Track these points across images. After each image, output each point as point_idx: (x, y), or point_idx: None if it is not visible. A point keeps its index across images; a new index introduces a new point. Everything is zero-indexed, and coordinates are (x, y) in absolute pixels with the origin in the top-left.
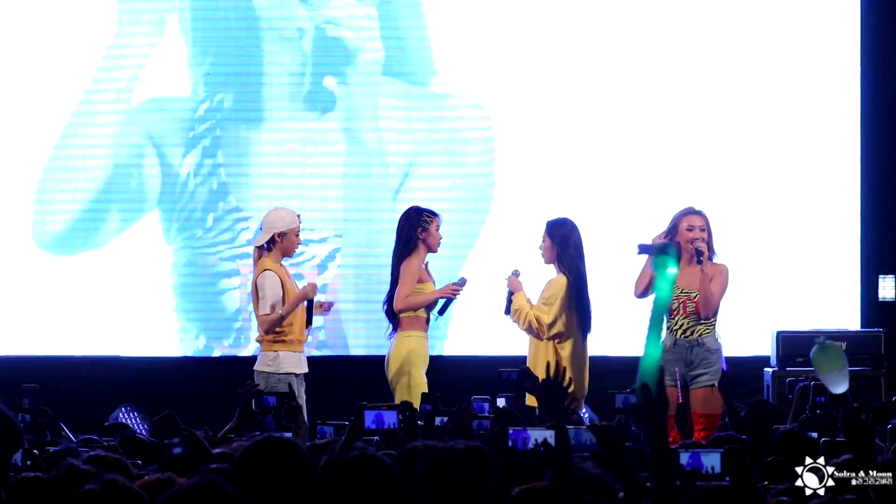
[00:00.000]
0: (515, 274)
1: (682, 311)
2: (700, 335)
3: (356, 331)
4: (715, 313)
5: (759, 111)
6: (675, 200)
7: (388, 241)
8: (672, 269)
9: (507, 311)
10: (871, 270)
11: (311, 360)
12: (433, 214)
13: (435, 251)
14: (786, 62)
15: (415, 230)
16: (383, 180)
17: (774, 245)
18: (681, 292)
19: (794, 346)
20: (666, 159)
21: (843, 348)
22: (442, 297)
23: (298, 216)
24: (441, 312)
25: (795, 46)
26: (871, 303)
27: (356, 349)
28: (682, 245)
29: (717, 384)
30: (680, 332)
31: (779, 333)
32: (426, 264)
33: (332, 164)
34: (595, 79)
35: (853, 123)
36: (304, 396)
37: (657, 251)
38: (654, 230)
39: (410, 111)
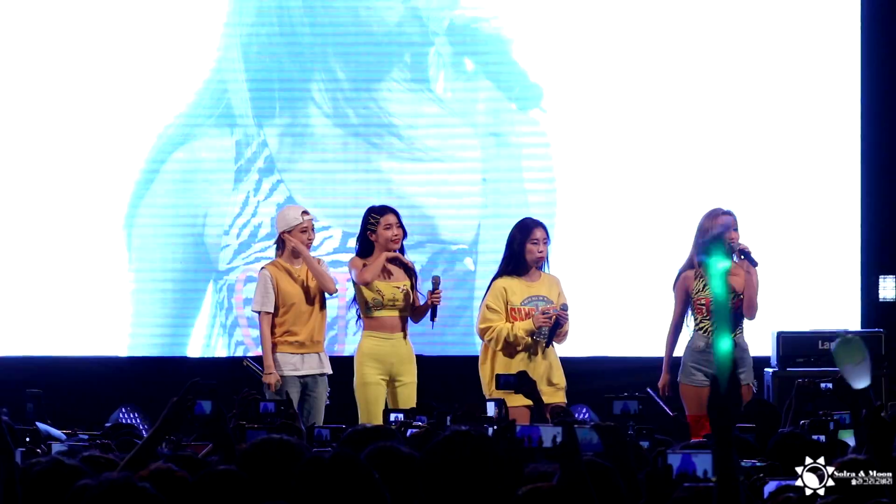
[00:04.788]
0: (564, 308)
1: None
2: (734, 335)
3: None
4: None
5: (759, 112)
6: (675, 202)
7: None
8: (722, 264)
9: (550, 343)
10: (872, 271)
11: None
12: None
13: (391, 249)
14: (786, 63)
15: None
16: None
17: (775, 245)
18: None
19: (794, 346)
20: (665, 161)
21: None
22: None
23: (305, 211)
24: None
25: (795, 47)
26: (871, 303)
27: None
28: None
29: (750, 383)
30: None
31: (779, 334)
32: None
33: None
34: (594, 79)
35: (853, 124)
36: (324, 397)
37: (702, 250)
38: (651, 231)
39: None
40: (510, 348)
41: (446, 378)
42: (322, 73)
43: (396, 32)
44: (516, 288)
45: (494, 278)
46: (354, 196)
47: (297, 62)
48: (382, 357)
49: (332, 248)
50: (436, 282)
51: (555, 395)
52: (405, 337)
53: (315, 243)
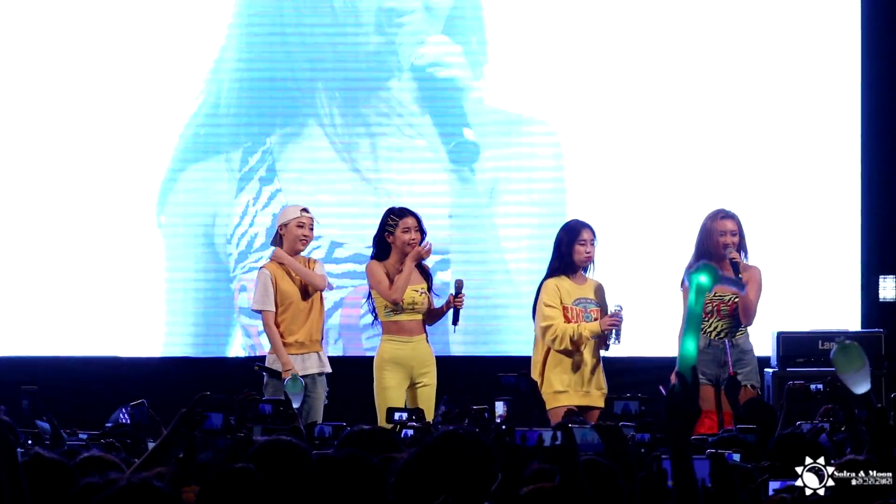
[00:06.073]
0: (619, 308)
1: (716, 314)
2: (734, 337)
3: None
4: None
5: (760, 113)
6: (677, 203)
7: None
8: (703, 279)
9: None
10: (872, 271)
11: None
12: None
13: (407, 253)
14: (786, 63)
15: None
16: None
17: (775, 246)
18: (714, 296)
19: (794, 346)
20: (667, 162)
21: None
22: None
23: (304, 209)
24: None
25: (795, 47)
26: (871, 303)
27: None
28: (719, 252)
29: (751, 385)
30: (714, 333)
31: (779, 334)
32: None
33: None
34: (598, 80)
35: (854, 124)
36: (323, 397)
37: (694, 271)
38: (654, 231)
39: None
40: (574, 347)
41: (446, 377)
42: (319, 100)
43: (375, 66)
44: (568, 287)
45: (544, 280)
46: (343, 205)
47: (295, 89)
48: (403, 361)
49: (319, 257)
50: (459, 285)
51: (601, 400)
52: (426, 339)
53: (304, 252)
